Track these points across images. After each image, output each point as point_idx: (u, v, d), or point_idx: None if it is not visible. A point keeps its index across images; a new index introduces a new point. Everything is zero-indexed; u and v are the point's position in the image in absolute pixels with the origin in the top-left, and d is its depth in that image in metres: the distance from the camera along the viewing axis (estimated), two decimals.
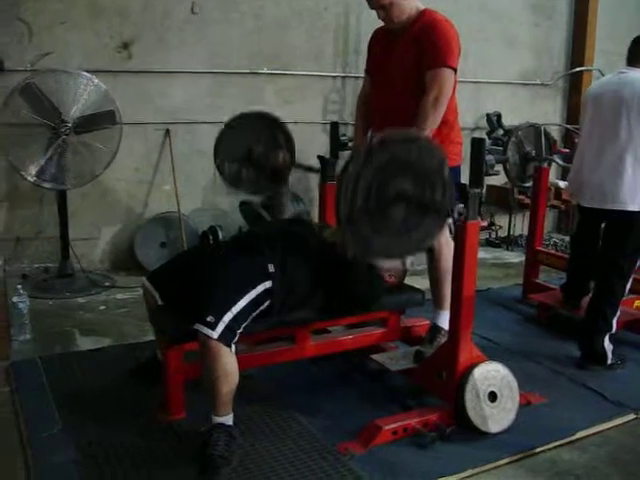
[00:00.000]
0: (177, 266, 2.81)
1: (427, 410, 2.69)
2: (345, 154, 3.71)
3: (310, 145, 5.05)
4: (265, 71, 5.09)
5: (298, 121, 5.21)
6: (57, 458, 2.38)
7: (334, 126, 3.55)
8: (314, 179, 4.86)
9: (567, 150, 5.20)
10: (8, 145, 4.11)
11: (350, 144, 3.41)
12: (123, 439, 2.51)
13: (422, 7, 2.94)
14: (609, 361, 3.28)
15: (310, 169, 3.50)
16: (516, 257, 5.56)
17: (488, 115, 5.69)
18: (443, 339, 2.94)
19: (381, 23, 3.04)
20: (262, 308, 2.48)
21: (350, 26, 5.34)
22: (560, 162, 4.69)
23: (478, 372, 2.59)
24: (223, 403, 2.36)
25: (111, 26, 4.60)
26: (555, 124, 6.39)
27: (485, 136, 5.23)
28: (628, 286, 3.36)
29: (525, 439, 2.58)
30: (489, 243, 6.02)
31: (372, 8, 2.93)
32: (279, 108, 5.13)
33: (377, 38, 3.16)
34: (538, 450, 2.54)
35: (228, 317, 2.33)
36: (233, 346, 2.36)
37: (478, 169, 2.50)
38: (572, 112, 6.49)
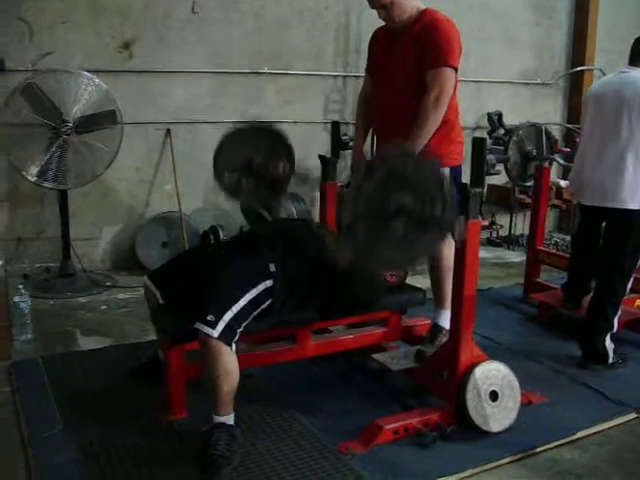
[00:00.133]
0: (178, 265, 2.82)
1: (428, 409, 2.69)
2: (346, 153, 3.73)
3: (311, 144, 5.07)
4: (266, 71, 5.09)
5: (299, 121, 5.23)
6: (58, 458, 2.37)
7: (335, 125, 3.56)
8: (315, 180, 4.86)
9: (568, 149, 5.20)
10: (9, 145, 4.11)
11: (351, 143, 3.42)
12: (124, 439, 2.51)
13: (423, 7, 2.94)
14: (610, 360, 3.28)
15: (307, 179, 3.52)
16: (517, 256, 5.56)
17: (489, 114, 5.69)
18: (444, 338, 2.94)
19: (382, 22, 3.04)
20: (263, 307, 2.49)
21: (351, 25, 5.34)
22: (561, 161, 4.69)
23: (479, 371, 2.60)
24: (224, 402, 2.36)
25: (112, 26, 4.61)
26: (556, 123, 6.39)
27: (486, 135, 5.22)
28: (629, 285, 3.36)
29: (526, 438, 2.58)
30: (490, 242, 6.02)
31: (373, 7, 2.93)
32: (280, 108, 5.17)
33: (378, 38, 3.16)
34: (539, 449, 2.54)
35: (228, 316, 2.34)
36: (234, 345, 2.36)
37: (479, 168, 2.50)
38: (573, 111, 6.49)
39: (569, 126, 6.34)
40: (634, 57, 3.33)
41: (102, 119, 4.20)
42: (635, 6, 6.67)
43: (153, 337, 3.11)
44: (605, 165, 3.28)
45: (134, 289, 4.29)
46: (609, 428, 2.73)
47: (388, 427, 2.53)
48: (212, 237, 4.59)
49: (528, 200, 5.45)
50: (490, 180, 5.07)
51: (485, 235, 5.97)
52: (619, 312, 3.33)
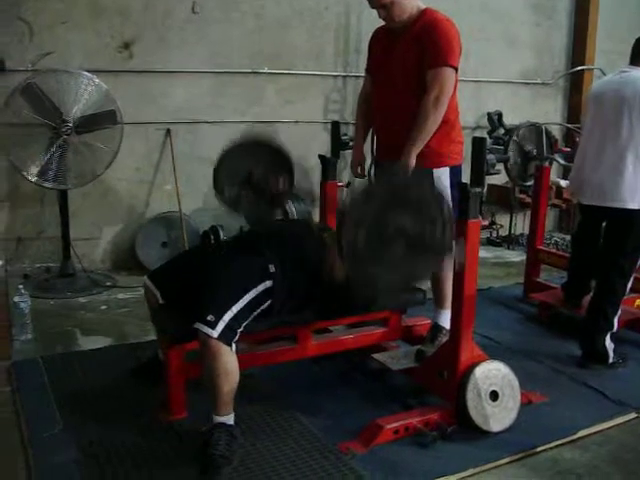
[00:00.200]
0: (178, 265, 2.82)
1: (428, 409, 2.69)
2: (347, 153, 3.73)
3: (311, 144, 5.07)
4: (266, 71, 5.08)
5: (299, 120, 5.23)
6: (58, 458, 2.38)
7: (335, 125, 3.56)
8: (315, 179, 4.85)
9: (568, 149, 5.20)
10: (9, 145, 4.11)
11: (351, 143, 3.42)
12: (124, 439, 2.51)
13: (423, 6, 2.94)
14: (610, 360, 3.28)
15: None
16: (517, 256, 5.55)
17: (489, 114, 5.68)
18: (444, 338, 2.94)
19: (382, 22, 3.04)
20: (263, 307, 2.49)
21: (351, 25, 5.34)
22: (561, 161, 4.69)
23: (479, 371, 2.60)
24: (224, 402, 2.36)
25: (112, 26, 4.60)
26: (556, 123, 6.39)
27: (486, 135, 5.22)
28: (629, 285, 3.36)
29: (526, 438, 2.58)
30: (490, 242, 6.02)
31: (373, 7, 2.93)
32: (280, 108, 5.17)
33: (378, 37, 3.16)
34: (539, 449, 2.54)
35: (228, 316, 2.34)
36: (234, 345, 2.36)
37: (479, 168, 2.50)
38: (573, 111, 6.49)
39: (569, 126, 6.34)
40: (635, 57, 3.33)
41: (102, 119, 4.20)
42: (635, 7, 6.66)
43: (153, 337, 3.11)
44: (605, 164, 3.28)
45: (134, 289, 4.29)
46: (609, 428, 2.72)
47: (388, 427, 2.54)
48: (212, 237, 4.59)
49: (528, 200, 5.45)
50: (490, 180, 5.06)
51: (485, 235, 5.97)
52: (619, 312, 3.33)
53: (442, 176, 2.95)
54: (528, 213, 4.99)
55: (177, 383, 2.63)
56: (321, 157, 3.49)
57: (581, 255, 3.77)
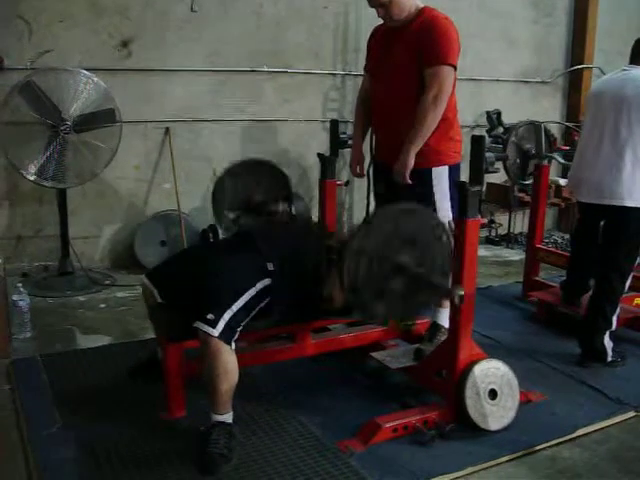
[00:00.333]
0: (176, 264, 2.81)
1: (427, 408, 2.69)
2: (345, 152, 3.73)
3: (310, 143, 5.07)
4: (265, 69, 5.08)
5: (298, 119, 5.22)
6: (57, 456, 2.38)
7: (334, 124, 3.56)
8: (314, 178, 4.86)
9: (567, 148, 5.19)
10: (8, 144, 4.10)
11: (350, 142, 3.42)
12: (123, 437, 2.51)
13: (421, 5, 2.94)
14: (609, 358, 3.28)
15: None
16: (516, 255, 5.56)
17: (488, 113, 5.68)
18: (443, 337, 2.94)
19: (380, 21, 3.04)
20: (262, 306, 2.48)
21: (349, 24, 5.34)
22: (560, 160, 4.68)
23: (478, 370, 2.60)
24: (223, 401, 2.36)
25: (111, 24, 4.59)
26: (555, 122, 6.37)
27: (485, 134, 5.22)
28: (628, 283, 3.36)
29: (525, 437, 2.58)
30: (489, 241, 6.01)
31: (372, 6, 2.93)
32: (279, 106, 5.17)
33: (376, 36, 3.16)
34: (538, 448, 2.54)
35: (229, 315, 2.34)
36: (233, 344, 2.36)
37: (478, 167, 2.50)
38: (572, 110, 6.49)
39: (568, 124, 6.33)
40: (635, 57, 3.33)
41: (101, 118, 4.19)
42: (634, 6, 6.66)
43: (152, 335, 3.10)
44: (603, 162, 3.28)
45: (133, 288, 4.29)
46: (608, 426, 2.73)
47: (387, 425, 2.54)
48: (211, 236, 4.59)
49: (527, 198, 5.45)
50: (489, 178, 5.07)
51: (484, 233, 5.96)
52: (618, 310, 3.33)
53: (441, 174, 2.95)
54: (527, 212, 4.99)
55: (176, 381, 2.63)
56: (320, 155, 3.50)
57: (580, 254, 3.76)
